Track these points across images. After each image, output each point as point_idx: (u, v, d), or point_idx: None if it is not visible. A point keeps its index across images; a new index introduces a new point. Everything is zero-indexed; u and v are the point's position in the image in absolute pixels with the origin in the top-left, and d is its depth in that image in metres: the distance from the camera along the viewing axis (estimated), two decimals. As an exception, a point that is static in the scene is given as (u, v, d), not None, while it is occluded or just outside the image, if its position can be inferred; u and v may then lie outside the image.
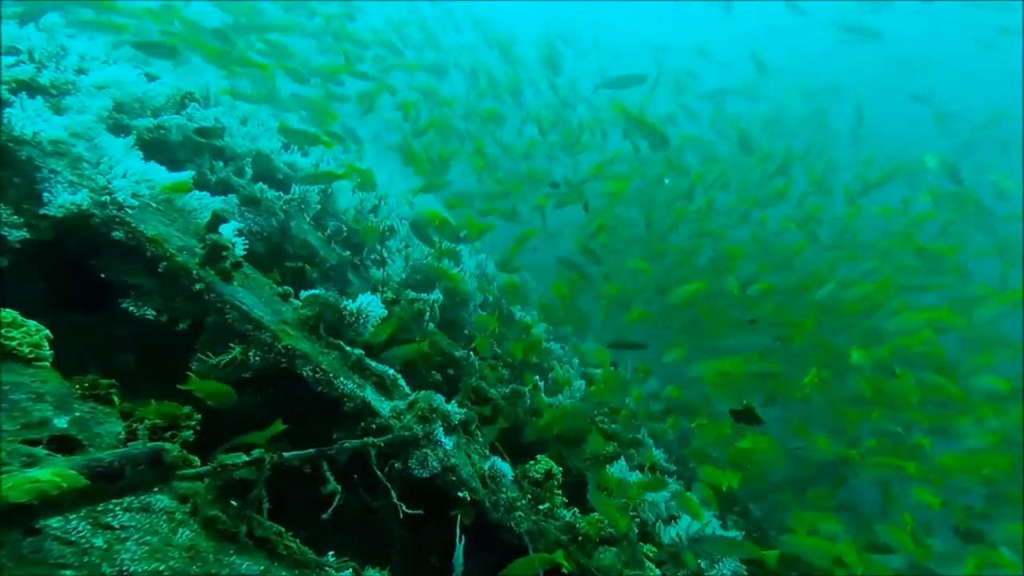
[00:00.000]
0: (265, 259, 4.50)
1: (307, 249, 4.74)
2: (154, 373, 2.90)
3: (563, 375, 6.19)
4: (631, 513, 4.15)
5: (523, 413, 5.22)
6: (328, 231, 5.14)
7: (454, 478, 3.36)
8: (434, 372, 4.81)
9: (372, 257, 6.12)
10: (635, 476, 4.38)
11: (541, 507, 3.78)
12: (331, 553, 2.38)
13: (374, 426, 3.18)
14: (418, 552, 3.41)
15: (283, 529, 2.20)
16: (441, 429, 3.40)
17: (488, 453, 3.94)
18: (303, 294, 3.55)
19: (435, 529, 3.39)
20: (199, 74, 6.96)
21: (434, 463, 3.28)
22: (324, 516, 2.65)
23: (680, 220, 9.54)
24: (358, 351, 3.46)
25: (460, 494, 3.36)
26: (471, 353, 5.05)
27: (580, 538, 3.66)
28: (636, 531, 3.98)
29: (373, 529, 3.35)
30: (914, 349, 7.14)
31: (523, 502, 3.68)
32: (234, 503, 2.00)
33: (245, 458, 2.02)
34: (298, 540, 2.28)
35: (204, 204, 3.55)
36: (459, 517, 3.26)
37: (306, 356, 3.14)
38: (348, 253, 5.21)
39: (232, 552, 1.95)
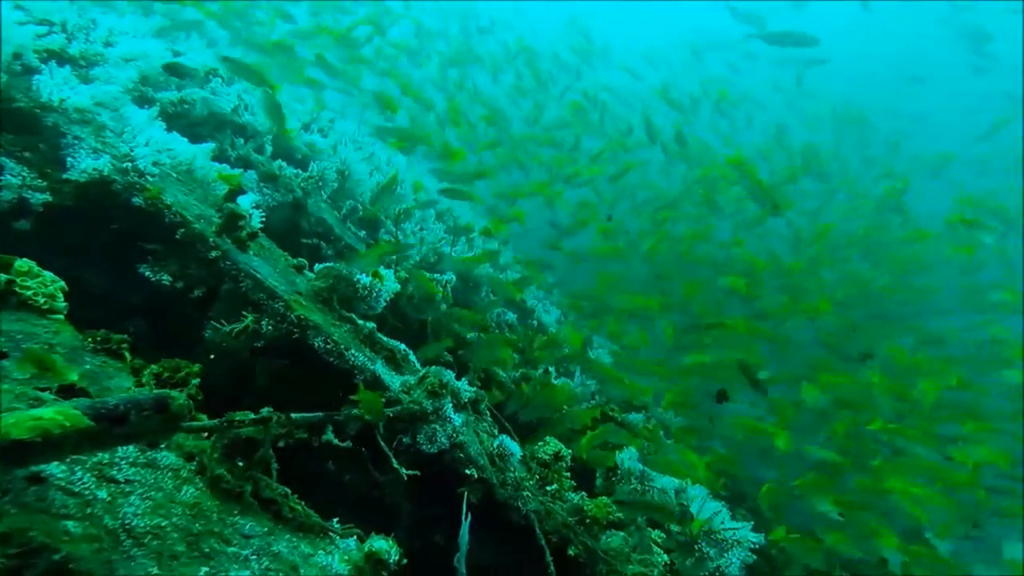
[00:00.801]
0: (281, 234, 4.53)
1: (323, 227, 4.76)
2: (166, 340, 2.94)
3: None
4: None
5: (533, 397, 5.20)
6: (344, 210, 5.16)
7: (462, 455, 3.35)
8: (444, 352, 4.81)
9: (387, 238, 6.15)
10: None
11: (549, 488, 3.75)
12: (335, 520, 2.36)
13: (383, 400, 3.18)
14: (423, 528, 3.41)
15: (289, 491, 2.21)
16: (451, 405, 3.39)
17: (497, 432, 3.92)
18: (317, 267, 3.56)
19: (441, 506, 3.39)
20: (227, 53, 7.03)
21: (443, 439, 3.27)
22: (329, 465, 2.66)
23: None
24: (370, 324, 3.46)
25: (468, 471, 3.35)
26: (481, 335, 5.03)
27: (588, 520, 3.63)
28: (643, 518, 3.93)
29: (379, 505, 3.36)
30: None
31: (531, 482, 3.66)
32: (240, 463, 2.01)
33: (252, 416, 2.02)
34: (304, 503, 2.28)
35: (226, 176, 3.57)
36: (466, 494, 3.25)
37: (318, 327, 3.15)
38: (364, 233, 5.22)
39: (236, 512, 1.96)
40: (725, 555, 3.54)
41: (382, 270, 3.74)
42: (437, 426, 3.27)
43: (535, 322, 7.10)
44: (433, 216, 6.99)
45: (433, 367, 3.48)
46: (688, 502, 4.29)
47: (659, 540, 3.76)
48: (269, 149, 4.76)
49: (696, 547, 3.69)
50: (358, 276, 3.56)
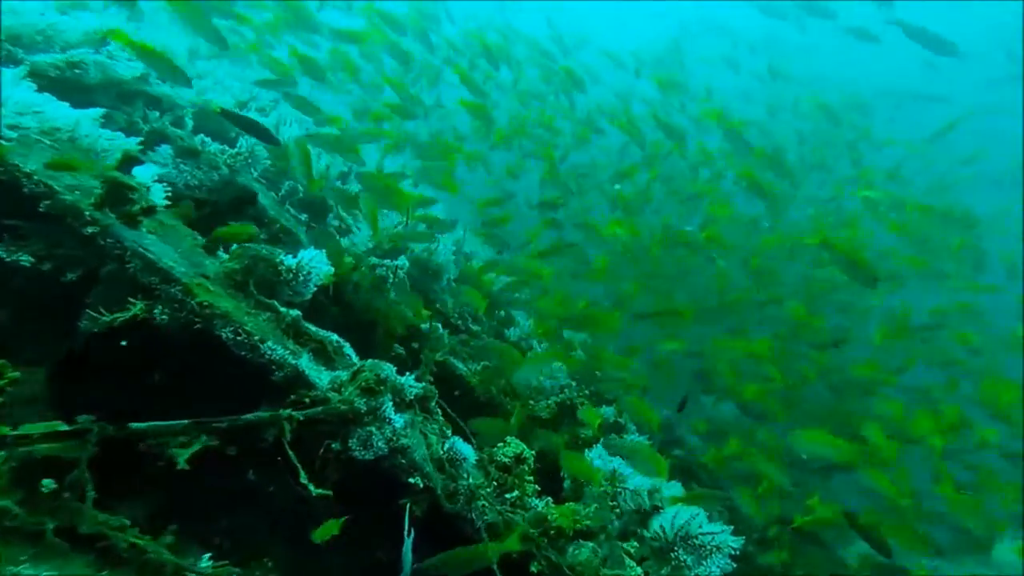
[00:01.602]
0: (206, 214, 4.00)
1: (255, 208, 4.24)
2: (34, 331, 2.41)
3: (543, 352, 5.75)
4: (611, 503, 3.71)
5: (496, 392, 4.77)
6: (283, 191, 4.64)
7: (404, 461, 2.90)
8: (396, 345, 4.34)
9: (336, 224, 5.64)
10: (616, 462, 3.93)
11: (508, 496, 3.33)
12: (207, 556, 1.89)
13: (307, 399, 2.71)
14: (363, 545, 2.96)
15: (127, 522, 1.72)
16: (391, 404, 2.94)
17: (450, 433, 3.48)
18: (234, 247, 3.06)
19: (384, 520, 2.94)
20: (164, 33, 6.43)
21: (380, 443, 2.81)
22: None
23: None
24: (294, 312, 2.98)
25: (412, 480, 2.90)
26: (439, 326, 4.58)
27: (552, 532, 3.21)
28: (616, 524, 3.54)
29: (311, 519, 2.89)
30: None
31: (487, 490, 3.23)
32: (45, 488, 1.52)
33: (63, 427, 1.54)
34: (152, 536, 1.79)
35: (116, 145, 3.04)
36: (408, 506, 2.80)
37: (227, 316, 2.66)
38: (306, 216, 4.71)
39: (25, 558, 1.46)
40: (704, 563, 3.17)
41: (312, 252, 3.26)
42: (373, 428, 2.81)
43: (502, 312, 6.67)
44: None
45: (369, 360, 3.01)
46: (663, 502, 3.92)
47: (632, 550, 3.37)
48: (190, 123, 4.21)
49: (672, 555, 3.32)
50: (280, 257, 3.07)
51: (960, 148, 13.38)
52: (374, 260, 4.61)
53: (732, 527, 3.28)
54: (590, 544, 3.27)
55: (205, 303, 2.59)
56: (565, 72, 9.58)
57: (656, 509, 3.79)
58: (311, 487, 2.27)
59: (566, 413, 5.16)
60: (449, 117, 9.66)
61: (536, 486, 3.64)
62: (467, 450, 3.16)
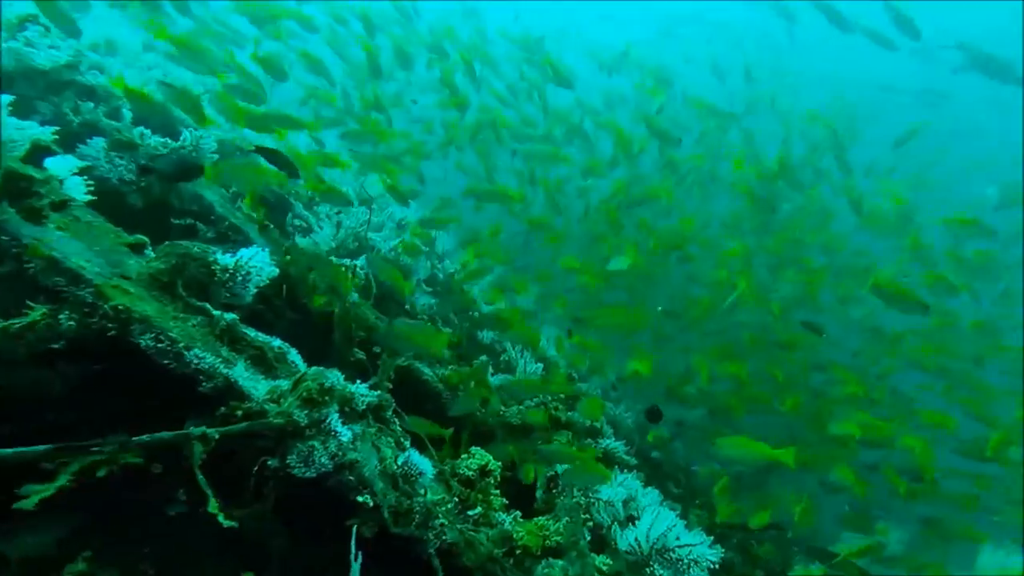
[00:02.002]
0: (144, 213, 3.70)
1: (199, 204, 3.95)
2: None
3: (516, 356, 5.51)
4: (583, 516, 3.48)
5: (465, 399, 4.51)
6: (233, 188, 4.35)
7: (352, 477, 2.64)
8: (356, 350, 4.07)
9: (296, 223, 5.36)
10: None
11: (471, 513, 3.08)
12: None
13: (239, 412, 2.44)
14: (305, 572, 2.69)
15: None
16: (336, 415, 2.67)
17: (408, 444, 3.23)
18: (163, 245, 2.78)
19: (329, 543, 2.67)
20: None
21: (323, 459, 2.55)
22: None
23: None
24: (230, 316, 2.70)
25: (360, 498, 2.64)
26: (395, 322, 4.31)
27: (518, 551, 2.97)
28: (588, 537, 3.31)
29: (248, 544, 2.62)
30: None
31: (448, 507, 2.97)
32: None
33: None
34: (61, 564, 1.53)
35: (27, 135, 2.74)
36: (355, 528, 2.54)
37: (147, 321, 2.37)
38: (259, 215, 4.41)
39: None
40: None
41: (253, 250, 2.98)
42: (315, 443, 2.55)
43: (476, 314, 6.42)
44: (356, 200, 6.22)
45: (313, 368, 2.74)
46: (638, 512, 3.71)
47: (605, 567, 3.14)
48: (128, 115, 3.91)
49: (647, 570, 3.09)
50: (215, 255, 2.80)
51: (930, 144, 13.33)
52: (333, 260, 4.34)
53: (711, 538, 3.07)
54: (560, 563, 3.04)
55: (121, 307, 2.31)
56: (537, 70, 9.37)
57: (631, 520, 3.58)
58: (220, 517, 1.99)
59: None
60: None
61: (503, 499, 3.41)
62: (424, 464, 2.91)
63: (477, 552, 2.87)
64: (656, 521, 3.22)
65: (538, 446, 3.61)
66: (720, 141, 10.66)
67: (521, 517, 3.37)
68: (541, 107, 9.30)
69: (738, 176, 8.60)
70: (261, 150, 4.01)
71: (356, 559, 2.49)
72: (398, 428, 3.27)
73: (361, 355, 4.15)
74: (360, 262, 4.43)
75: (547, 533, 3.11)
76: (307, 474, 2.52)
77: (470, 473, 3.25)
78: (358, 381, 2.99)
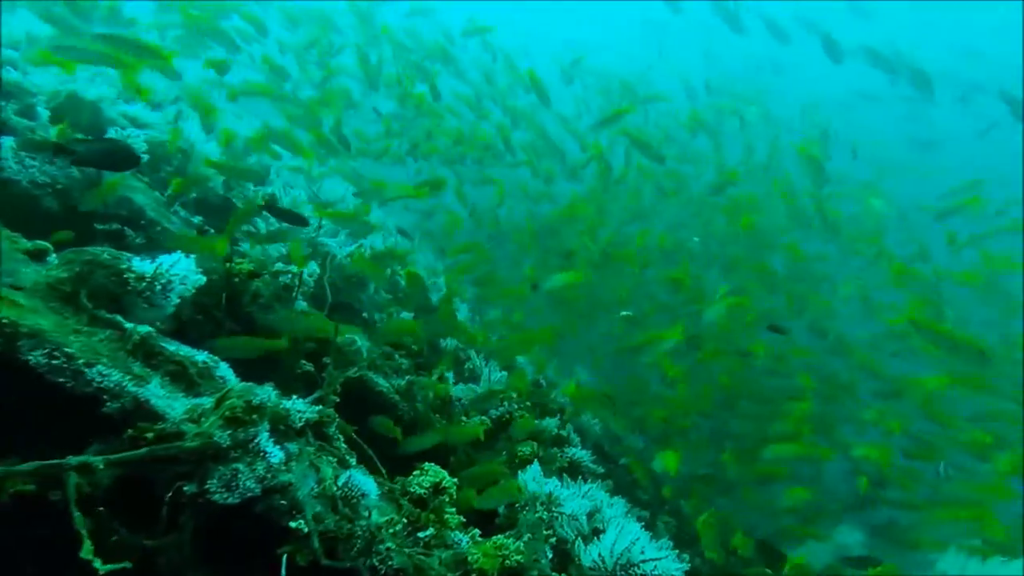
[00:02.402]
0: (61, 219, 3.40)
1: (128, 208, 3.66)
2: None
3: (481, 364, 5.31)
4: (546, 532, 3.28)
5: (423, 409, 4.29)
6: (169, 190, 4.06)
7: (284, 502, 2.40)
8: (304, 362, 3.82)
9: (244, 228, 5.08)
10: (552, 484, 3.51)
11: (422, 535, 2.85)
12: None
13: (149, 435, 2.18)
14: (234, 610, 2.43)
15: None
16: (266, 434, 2.43)
17: (355, 462, 3.00)
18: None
19: (263, 573, 2.42)
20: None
21: (249, 483, 2.30)
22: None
23: None
24: (143, 329, 2.44)
25: (294, 524, 2.40)
26: (354, 338, 4.08)
27: (473, 574, 2.75)
28: (549, 556, 3.11)
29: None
30: None
31: (396, 528, 2.74)
32: None
33: None
34: None
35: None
36: (284, 558, 2.30)
37: (39, 335, 2.11)
38: (199, 219, 4.14)
39: None
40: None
41: (175, 256, 2.73)
42: (240, 466, 2.30)
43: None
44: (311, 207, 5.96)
45: (239, 384, 2.50)
46: (604, 524, 3.52)
47: (567, 586, 2.94)
48: (44, 112, 3.61)
49: (613, 589, 2.91)
50: (129, 262, 2.54)
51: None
52: (279, 267, 4.09)
53: (676, 551, 2.89)
54: (520, 583, 2.83)
55: (6, 320, 2.04)
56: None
57: (596, 533, 3.39)
58: (97, 563, 1.74)
59: (504, 428, 4.73)
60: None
61: (460, 517, 3.18)
62: (368, 484, 2.67)
63: (427, 578, 2.65)
64: (620, 535, 3.04)
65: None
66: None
67: (481, 535, 3.16)
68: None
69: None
70: (271, 208, 4.29)
71: (287, 593, 2.25)
72: (342, 445, 3.04)
73: (310, 367, 3.90)
74: (310, 268, 4.18)
75: (506, 553, 2.89)
76: (230, 500, 2.27)
77: (422, 491, 3.03)
78: (295, 397, 2.75)
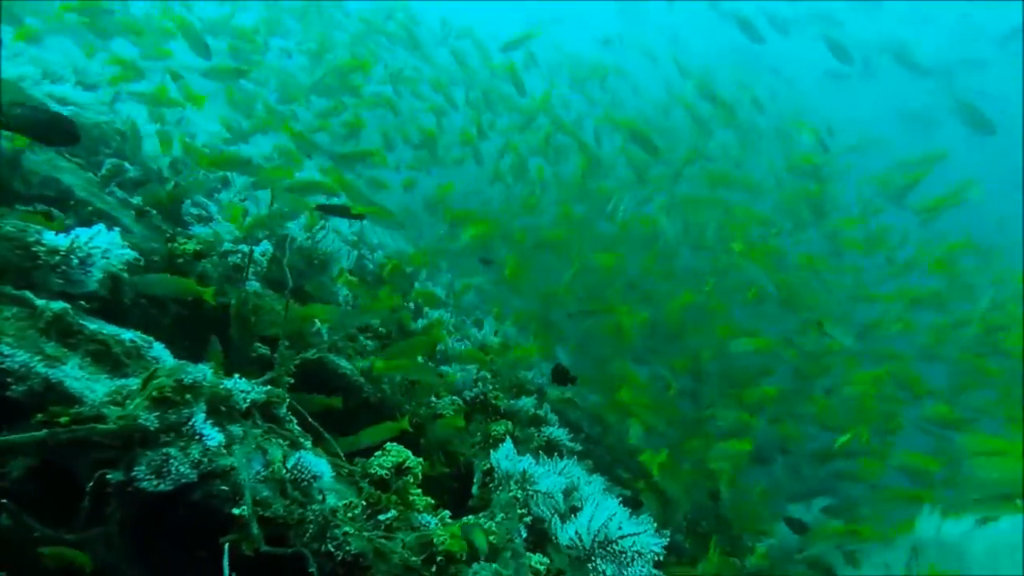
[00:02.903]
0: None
1: (55, 188, 3.38)
2: None
3: (453, 345, 5.11)
4: (521, 510, 3.11)
5: (390, 391, 4.09)
6: (103, 170, 3.78)
7: (225, 487, 2.19)
8: (258, 344, 3.59)
9: (194, 211, 4.79)
10: (526, 462, 3.34)
11: (383, 517, 2.66)
12: None
13: (63, 419, 1.95)
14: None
15: None
16: (202, 416, 2.22)
17: (309, 445, 2.79)
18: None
19: (201, 566, 2.22)
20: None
21: (183, 468, 2.09)
22: None
23: None
24: (57, 305, 2.20)
25: (237, 511, 2.19)
26: (314, 320, 3.85)
27: (440, 559, 2.57)
28: (524, 535, 2.95)
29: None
30: None
31: (353, 513, 2.55)
32: None
33: None
34: None
35: None
36: (227, 547, 2.09)
37: (-72, 312, 1.86)
38: (139, 199, 3.86)
39: None
40: (625, 572, 2.62)
41: (96, 228, 2.48)
42: (172, 450, 2.08)
43: (411, 304, 5.98)
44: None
45: (172, 362, 2.28)
46: (581, 502, 3.37)
47: (542, 566, 2.77)
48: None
49: (590, 565, 2.75)
50: (38, 235, 2.29)
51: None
52: (227, 246, 3.84)
53: (655, 525, 2.75)
54: (492, 566, 2.66)
55: None
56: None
57: (574, 511, 3.23)
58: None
59: (478, 410, 4.56)
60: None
61: (428, 499, 3.00)
62: (320, 465, 2.47)
63: (389, 563, 2.46)
64: (597, 511, 2.88)
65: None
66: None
67: (452, 517, 2.99)
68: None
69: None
70: (323, 207, 4.35)
71: (229, 585, 2.05)
72: (296, 428, 2.83)
73: (265, 350, 3.67)
74: (262, 247, 3.93)
75: (476, 534, 2.71)
76: (161, 487, 2.05)
77: (383, 472, 2.83)
78: (236, 376, 2.53)
